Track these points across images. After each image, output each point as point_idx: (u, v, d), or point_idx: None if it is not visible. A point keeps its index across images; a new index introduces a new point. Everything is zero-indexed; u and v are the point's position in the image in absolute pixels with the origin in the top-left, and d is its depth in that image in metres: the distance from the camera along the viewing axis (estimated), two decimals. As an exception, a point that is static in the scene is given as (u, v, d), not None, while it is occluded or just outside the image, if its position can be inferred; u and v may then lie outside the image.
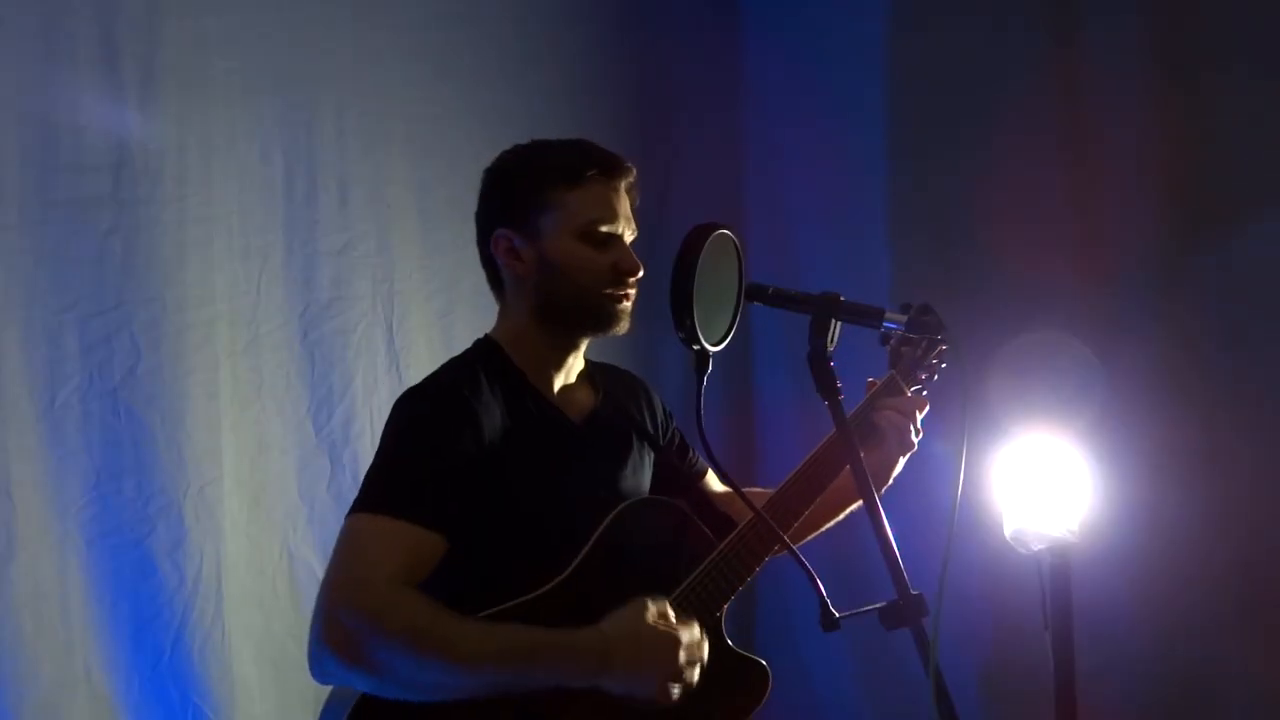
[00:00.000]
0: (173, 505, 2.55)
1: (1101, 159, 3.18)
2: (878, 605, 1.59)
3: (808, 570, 1.69)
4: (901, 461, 2.08)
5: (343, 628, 1.63)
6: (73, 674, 2.42)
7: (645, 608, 1.77)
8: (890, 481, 2.08)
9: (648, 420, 2.08)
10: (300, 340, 2.79)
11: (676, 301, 1.62)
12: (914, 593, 1.57)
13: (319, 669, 1.67)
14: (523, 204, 1.87)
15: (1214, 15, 3.06)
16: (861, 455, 2.00)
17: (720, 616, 1.92)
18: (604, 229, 1.86)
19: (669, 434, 2.14)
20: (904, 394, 2.10)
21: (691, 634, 1.81)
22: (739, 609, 3.60)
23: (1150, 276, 3.11)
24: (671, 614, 1.80)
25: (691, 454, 2.16)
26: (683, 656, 1.77)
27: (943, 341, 2.12)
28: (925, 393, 2.16)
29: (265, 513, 2.71)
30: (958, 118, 3.33)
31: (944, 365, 2.16)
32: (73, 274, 2.47)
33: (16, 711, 2.33)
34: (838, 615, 1.67)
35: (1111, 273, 3.15)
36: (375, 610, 1.64)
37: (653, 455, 2.05)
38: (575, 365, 1.97)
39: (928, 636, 1.54)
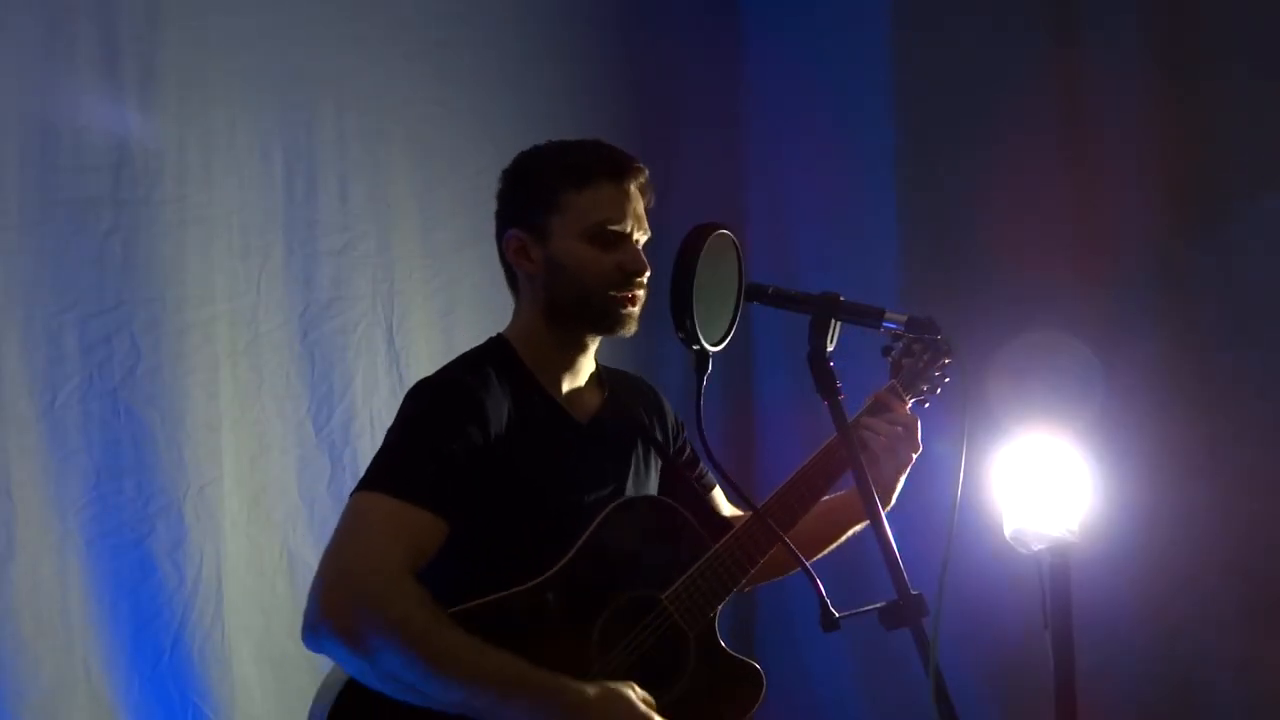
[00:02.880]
0: (173, 505, 2.55)
1: (1101, 159, 3.18)
2: (878, 605, 1.58)
3: (808, 570, 1.70)
4: (901, 480, 2.03)
5: (344, 601, 1.64)
6: (73, 674, 2.42)
7: (633, 688, 1.77)
8: (893, 501, 2.03)
9: (656, 428, 2.07)
10: (300, 340, 2.79)
11: (676, 302, 1.62)
12: (914, 593, 1.56)
13: (313, 637, 1.67)
14: (532, 205, 1.90)
15: (1214, 15, 3.06)
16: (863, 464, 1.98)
17: (714, 618, 1.92)
18: (611, 229, 1.87)
19: (679, 444, 2.13)
20: (903, 406, 2.06)
21: None
22: (739, 609, 3.63)
23: (1150, 276, 3.11)
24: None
25: (701, 468, 2.15)
26: None
27: (946, 353, 2.06)
28: (927, 405, 2.10)
29: (265, 513, 2.71)
30: (958, 118, 3.33)
31: (947, 379, 2.09)
32: (73, 274, 2.47)
33: (16, 711, 2.33)
34: (838, 615, 1.66)
35: (1111, 273, 3.14)
36: (380, 592, 1.65)
37: (659, 463, 2.05)
38: (585, 366, 1.98)
39: (928, 636, 1.54)
